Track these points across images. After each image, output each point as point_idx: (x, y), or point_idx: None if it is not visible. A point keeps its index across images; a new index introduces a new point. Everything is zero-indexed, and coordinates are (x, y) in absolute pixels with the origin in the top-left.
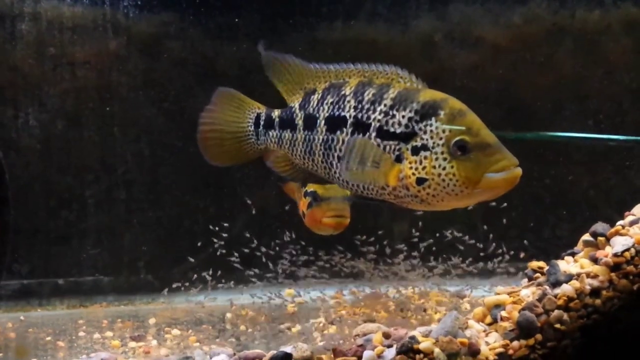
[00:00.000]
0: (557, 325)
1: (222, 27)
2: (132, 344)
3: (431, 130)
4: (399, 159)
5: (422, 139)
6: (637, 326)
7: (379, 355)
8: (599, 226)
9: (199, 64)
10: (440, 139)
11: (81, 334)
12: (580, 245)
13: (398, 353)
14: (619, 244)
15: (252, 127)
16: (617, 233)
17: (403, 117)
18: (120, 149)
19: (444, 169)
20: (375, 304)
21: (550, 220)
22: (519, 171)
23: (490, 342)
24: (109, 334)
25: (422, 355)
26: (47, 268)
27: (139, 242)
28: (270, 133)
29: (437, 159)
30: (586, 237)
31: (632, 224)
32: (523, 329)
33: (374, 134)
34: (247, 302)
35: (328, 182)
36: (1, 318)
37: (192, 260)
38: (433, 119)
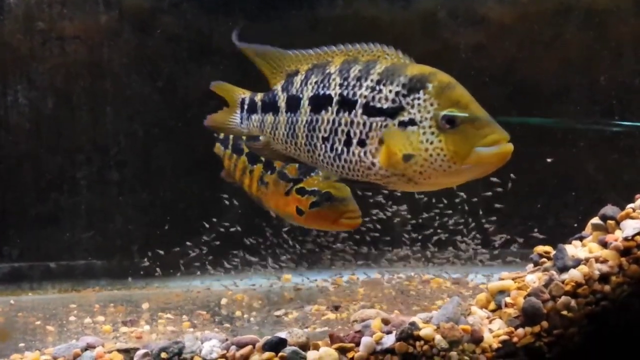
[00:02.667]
0: (564, 312)
1: (217, 2)
2: (124, 328)
3: (419, 104)
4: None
5: (409, 113)
6: None
7: (378, 342)
8: (609, 209)
9: (193, 39)
10: (428, 112)
11: (72, 318)
12: (588, 229)
13: (398, 339)
14: (630, 227)
15: (237, 112)
16: (627, 216)
17: (390, 91)
18: (112, 128)
19: (431, 143)
20: (375, 290)
21: (556, 206)
22: (510, 146)
23: (494, 329)
24: (101, 318)
25: (422, 342)
26: (39, 251)
27: (133, 225)
28: (253, 117)
29: (424, 133)
30: (595, 220)
31: None
32: (528, 316)
33: (360, 111)
34: (244, 287)
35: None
36: None
37: (188, 244)
38: (421, 92)
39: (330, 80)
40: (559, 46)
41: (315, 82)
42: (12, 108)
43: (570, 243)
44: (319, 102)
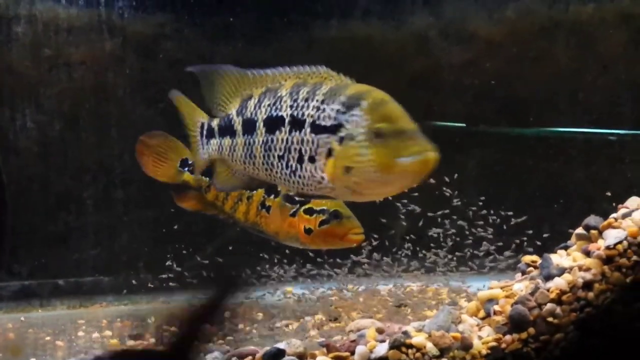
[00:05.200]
0: (550, 319)
1: (217, 27)
2: (131, 342)
3: (354, 120)
4: (330, 152)
5: (347, 129)
6: (630, 319)
7: (372, 351)
8: (592, 219)
9: (195, 64)
10: (362, 127)
11: (80, 333)
12: (573, 238)
13: (390, 348)
14: (612, 236)
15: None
16: (609, 226)
17: (332, 110)
18: (117, 149)
19: (364, 156)
20: (374, 300)
21: (547, 215)
22: (431, 155)
23: (484, 336)
24: (108, 333)
25: (414, 350)
26: (47, 269)
27: (138, 242)
28: (212, 142)
29: (359, 147)
30: (579, 230)
31: (624, 216)
32: (516, 323)
33: (308, 130)
34: (245, 299)
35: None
36: (1, 319)
37: (191, 259)
38: (356, 109)
39: (282, 103)
40: (547, 61)
41: (269, 105)
42: (20, 132)
43: (555, 252)
44: (273, 123)
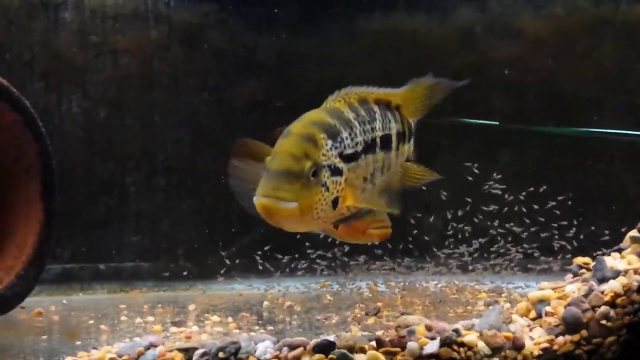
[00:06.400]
0: (603, 322)
1: (261, 18)
2: (173, 329)
3: None
4: None
5: None
6: None
7: (422, 347)
8: None
9: (238, 54)
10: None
11: (123, 318)
12: (627, 241)
13: (442, 345)
14: None
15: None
16: None
17: None
18: (160, 136)
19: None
20: (412, 297)
21: (590, 217)
22: (260, 201)
23: (535, 337)
24: (150, 318)
25: (465, 349)
26: (89, 253)
27: (178, 229)
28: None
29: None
30: (633, 233)
31: None
32: (569, 325)
33: None
34: (284, 291)
35: None
36: (44, 301)
37: (230, 248)
38: None
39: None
40: (595, 59)
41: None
42: (66, 117)
43: (608, 255)
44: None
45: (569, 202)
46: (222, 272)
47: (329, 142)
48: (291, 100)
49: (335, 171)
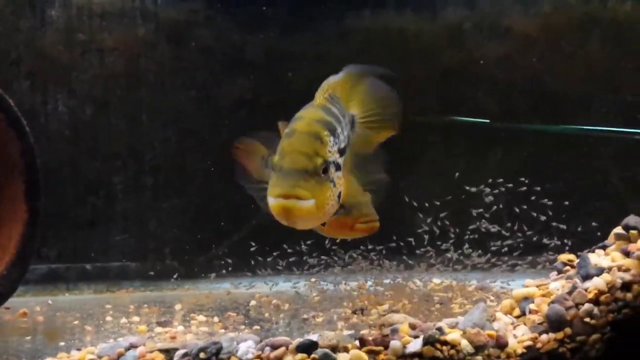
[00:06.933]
0: (587, 319)
1: (250, 16)
2: (159, 329)
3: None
4: None
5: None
6: None
7: (405, 346)
8: (632, 219)
9: (226, 52)
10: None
11: (108, 318)
12: (611, 238)
13: (425, 344)
14: None
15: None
16: None
17: None
18: (147, 135)
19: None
20: (399, 295)
21: (580, 214)
22: (280, 202)
23: (519, 335)
24: (136, 318)
25: (448, 347)
26: (75, 253)
27: (165, 228)
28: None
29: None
30: (618, 230)
31: None
32: (552, 322)
33: None
34: (272, 290)
35: None
36: (29, 302)
37: (217, 247)
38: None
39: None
40: (582, 57)
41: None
42: (52, 116)
43: (593, 252)
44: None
45: (559, 199)
46: (210, 271)
47: (332, 139)
48: (280, 98)
49: (337, 166)
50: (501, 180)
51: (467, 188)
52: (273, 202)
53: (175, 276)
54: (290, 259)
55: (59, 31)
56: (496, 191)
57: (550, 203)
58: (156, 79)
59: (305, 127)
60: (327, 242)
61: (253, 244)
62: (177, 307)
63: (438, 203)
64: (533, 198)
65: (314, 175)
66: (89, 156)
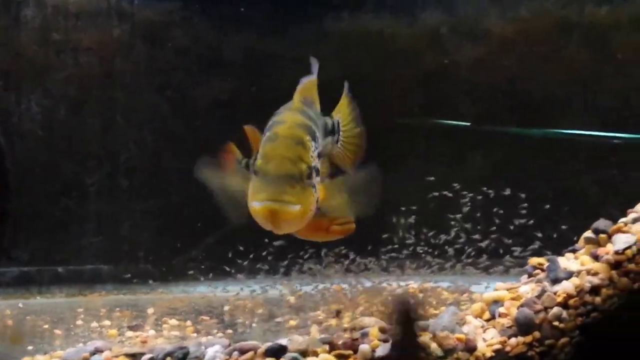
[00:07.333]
0: (556, 323)
1: (228, 17)
2: (130, 333)
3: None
4: None
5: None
6: (636, 325)
7: (374, 350)
8: (601, 223)
9: (203, 52)
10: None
11: (79, 322)
12: (581, 242)
13: None
14: (621, 241)
15: None
16: (619, 230)
17: None
18: (122, 136)
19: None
20: (376, 298)
21: (553, 218)
22: (267, 207)
23: (488, 338)
24: (107, 322)
25: None
26: (47, 256)
27: (139, 231)
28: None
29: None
30: (587, 234)
31: (634, 221)
32: (521, 326)
33: None
34: (246, 293)
35: None
36: (0, 305)
37: (192, 250)
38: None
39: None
40: (560, 61)
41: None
42: (26, 116)
43: (563, 255)
44: None
45: (533, 202)
46: (184, 274)
47: (313, 144)
48: (257, 99)
49: (317, 171)
50: (476, 183)
51: (444, 193)
52: (259, 205)
53: (149, 280)
54: (266, 262)
55: (34, 30)
56: (471, 194)
57: (524, 205)
58: (132, 79)
59: (288, 132)
60: (305, 245)
61: (229, 247)
62: (150, 310)
63: (414, 207)
64: (507, 200)
65: (299, 181)
66: (63, 157)
